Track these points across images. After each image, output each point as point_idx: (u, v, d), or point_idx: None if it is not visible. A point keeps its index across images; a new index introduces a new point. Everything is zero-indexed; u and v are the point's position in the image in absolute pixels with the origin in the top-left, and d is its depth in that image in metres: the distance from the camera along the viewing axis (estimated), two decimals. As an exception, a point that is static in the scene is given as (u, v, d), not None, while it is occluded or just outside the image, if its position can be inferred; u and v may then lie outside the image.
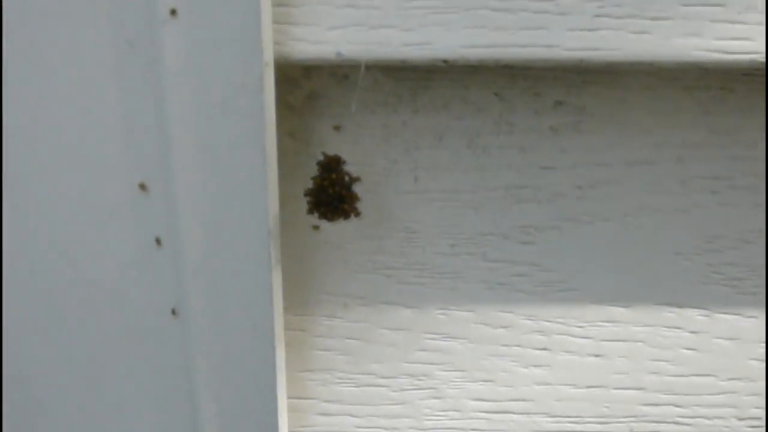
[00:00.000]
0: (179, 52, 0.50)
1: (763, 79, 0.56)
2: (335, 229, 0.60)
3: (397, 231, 0.61)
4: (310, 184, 0.55)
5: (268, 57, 0.50)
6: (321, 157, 0.53)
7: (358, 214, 0.53)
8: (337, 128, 0.57)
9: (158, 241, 0.55)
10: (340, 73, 0.56)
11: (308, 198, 0.54)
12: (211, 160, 0.52)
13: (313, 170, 0.55)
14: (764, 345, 0.63)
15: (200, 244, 0.55)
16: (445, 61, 0.51)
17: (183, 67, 0.50)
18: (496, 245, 0.61)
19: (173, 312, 0.57)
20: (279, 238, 0.55)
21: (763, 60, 0.51)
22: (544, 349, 0.64)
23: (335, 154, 0.53)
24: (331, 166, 0.53)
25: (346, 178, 0.53)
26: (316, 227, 0.60)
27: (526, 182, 0.60)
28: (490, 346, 0.64)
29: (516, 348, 0.64)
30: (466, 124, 0.58)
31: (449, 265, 0.62)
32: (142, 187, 0.54)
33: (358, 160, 0.58)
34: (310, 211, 0.54)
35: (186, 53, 0.50)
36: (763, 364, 0.63)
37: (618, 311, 0.63)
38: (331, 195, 0.52)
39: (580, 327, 0.63)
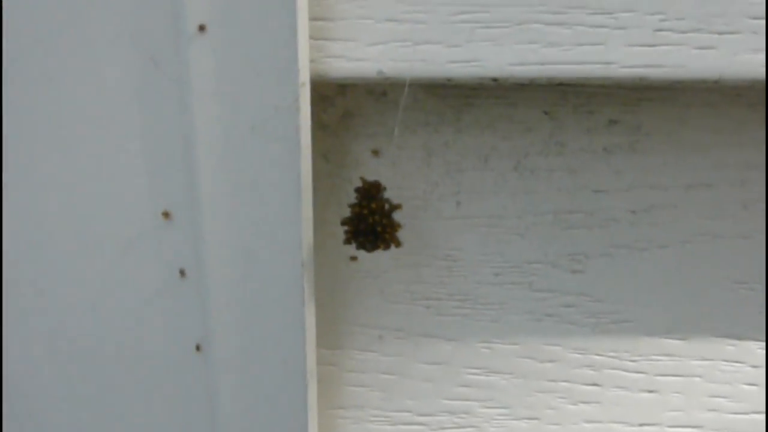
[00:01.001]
0: (208, 72, 0.49)
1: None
2: (371, 257, 0.59)
3: (437, 259, 0.60)
4: (344, 211, 0.53)
5: (305, 76, 0.48)
6: (359, 183, 0.52)
7: (399, 245, 0.52)
8: (375, 152, 0.55)
9: (182, 273, 0.54)
10: (378, 91, 0.55)
11: (346, 227, 0.52)
12: (241, 188, 0.51)
13: (348, 194, 0.54)
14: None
15: (227, 276, 0.54)
16: (494, 80, 0.50)
17: (212, 87, 0.49)
18: (544, 274, 0.60)
19: (197, 348, 0.56)
20: (313, 270, 0.54)
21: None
22: (594, 384, 0.62)
23: (375, 179, 0.51)
24: (371, 192, 0.51)
25: (386, 206, 0.51)
26: (353, 258, 0.58)
27: (577, 206, 0.58)
28: (536, 381, 0.62)
29: (564, 383, 0.62)
30: (512, 145, 0.57)
31: (493, 296, 0.60)
32: (166, 215, 0.53)
33: (397, 183, 0.57)
34: (348, 242, 0.52)
35: (215, 72, 0.48)
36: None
37: (674, 344, 0.61)
38: (371, 225, 0.51)
39: (633, 361, 0.62)
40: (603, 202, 0.58)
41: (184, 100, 0.49)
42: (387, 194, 0.53)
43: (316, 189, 0.55)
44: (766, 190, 0.57)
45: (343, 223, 0.52)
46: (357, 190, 0.51)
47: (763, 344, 0.61)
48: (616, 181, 0.58)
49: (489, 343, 0.62)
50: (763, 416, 0.62)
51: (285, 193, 0.51)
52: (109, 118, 0.51)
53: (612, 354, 0.62)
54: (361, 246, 0.52)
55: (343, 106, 0.56)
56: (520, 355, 0.62)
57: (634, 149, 0.57)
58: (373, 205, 0.51)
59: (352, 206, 0.52)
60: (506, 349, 0.62)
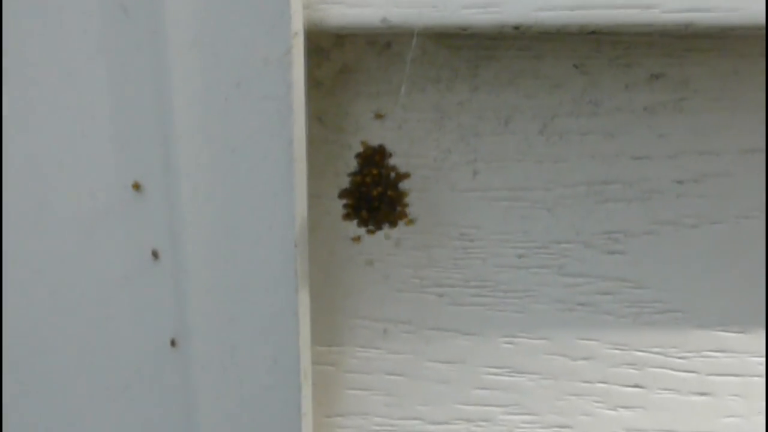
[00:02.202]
0: (185, 20, 0.54)
1: None
2: (374, 237, 0.65)
3: (451, 238, 0.66)
4: (343, 182, 0.59)
5: (297, 25, 0.54)
6: (360, 148, 0.57)
7: (410, 222, 0.58)
8: (378, 114, 0.61)
9: (155, 255, 0.60)
10: (381, 42, 0.61)
11: (344, 201, 0.58)
12: (224, 155, 0.57)
13: (347, 163, 0.60)
14: None
15: (207, 259, 0.59)
16: (516, 28, 0.55)
17: (190, 38, 0.55)
18: (577, 256, 0.66)
19: (172, 343, 0.62)
20: (307, 252, 0.60)
21: None
22: (637, 386, 0.69)
23: (379, 144, 0.57)
24: (374, 159, 0.57)
25: (393, 174, 0.57)
26: (356, 239, 0.65)
27: (614, 176, 0.64)
28: (568, 382, 0.69)
29: (601, 385, 0.69)
30: (538, 104, 0.63)
31: (517, 281, 0.67)
32: (137, 187, 0.58)
33: (404, 150, 0.63)
34: (348, 217, 0.58)
35: (194, 21, 0.54)
36: None
37: (730, 338, 0.68)
38: (375, 197, 0.56)
39: (682, 358, 0.68)
40: (645, 170, 0.64)
41: (159, 52, 0.55)
42: (393, 161, 0.58)
43: (310, 157, 0.60)
44: (766, 188, 0.64)
45: (341, 196, 0.58)
46: (358, 156, 0.57)
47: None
48: (660, 146, 0.64)
49: (512, 337, 0.68)
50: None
51: (274, 162, 0.56)
52: (73, 75, 0.56)
53: (657, 350, 0.68)
54: (363, 223, 0.58)
55: (341, 60, 0.62)
56: (549, 352, 0.68)
57: (680, 108, 0.63)
58: (376, 172, 0.56)
59: (352, 175, 0.57)
60: (533, 345, 0.68)
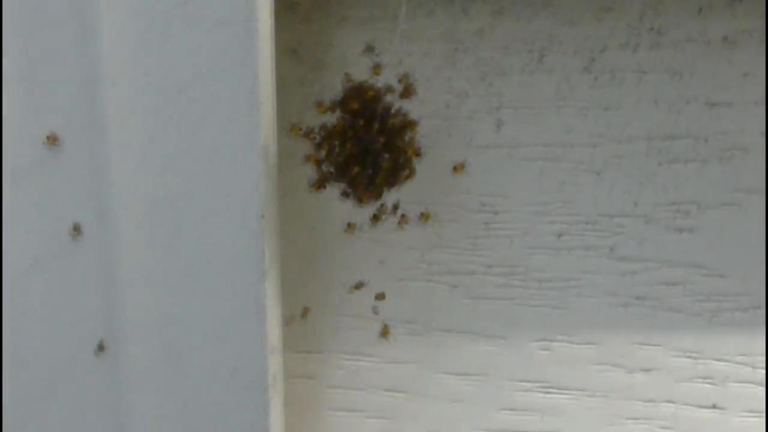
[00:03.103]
0: None
1: None
2: (364, 208, 0.61)
3: (468, 211, 0.64)
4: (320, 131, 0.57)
5: None
6: (347, 83, 0.56)
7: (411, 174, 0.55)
8: (370, 46, 0.59)
9: (76, 229, 0.58)
10: (374, -50, 0.60)
11: (322, 153, 0.56)
12: (166, 98, 0.55)
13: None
14: None
15: (144, 235, 0.58)
16: None
17: None
18: (634, 234, 0.64)
19: (99, 347, 0.60)
20: (278, 227, 0.58)
21: None
22: (714, 407, 0.66)
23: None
24: (365, 98, 0.54)
25: (393, 120, 0.55)
26: (350, 227, 0.62)
27: (684, 128, 0.62)
28: (623, 401, 0.66)
29: (667, 405, 0.66)
30: (582, 33, 0.61)
31: (555, 268, 0.65)
32: (52, 140, 0.57)
33: None
34: (321, 184, 0.56)
35: None
36: None
37: (837, 343, 0.66)
38: (373, 150, 0.54)
39: (774, 371, 0.67)
40: (724, 121, 0.62)
41: None
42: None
43: (281, 101, 0.58)
44: (767, 190, 0.63)
45: (320, 145, 0.55)
46: (350, 89, 0.55)
47: None
48: (744, 89, 0.62)
49: (550, 341, 0.66)
50: None
51: (233, 107, 0.55)
52: None
53: (740, 359, 0.65)
54: (355, 192, 0.56)
55: (321, -26, 0.61)
56: (597, 361, 0.66)
57: (769, 39, 0.61)
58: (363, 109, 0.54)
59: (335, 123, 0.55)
60: (576, 352, 0.66)
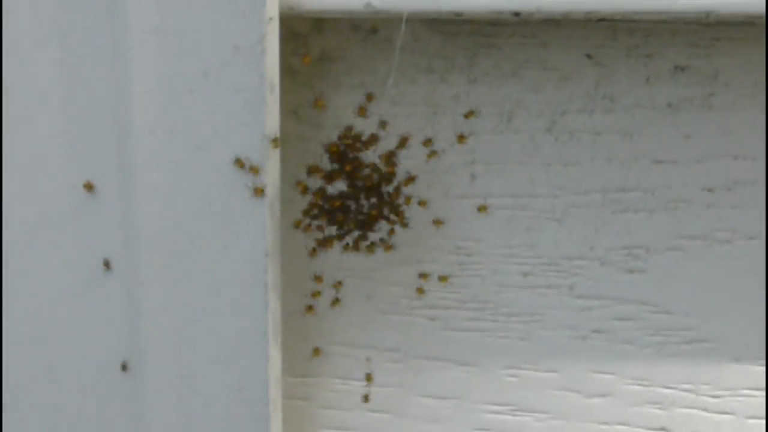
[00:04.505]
0: (148, 3, 0.60)
1: None
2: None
3: (445, 252, 0.72)
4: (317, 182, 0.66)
5: (273, 10, 0.61)
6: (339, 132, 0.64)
7: (404, 224, 0.65)
8: (362, 109, 0.67)
9: (107, 264, 0.66)
10: (366, 26, 0.68)
11: (314, 203, 0.65)
12: (187, 152, 0.63)
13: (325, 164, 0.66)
14: None
15: (165, 271, 0.65)
16: (516, 14, 0.62)
17: (153, 22, 0.61)
18: (590, 274, 0.72)
19: (123, 367, 0.68)
20: (279, 264, 0.66)
21: None
22: (662, 429, 0.74)
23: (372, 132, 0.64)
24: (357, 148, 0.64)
25: (387, 167, 0.64)
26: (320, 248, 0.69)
27: (634, 183, 0.70)
28: (581, 423, 0.74)
29: (620, 428, 0.74)
30: (545, 99, 0.69)
31: (521, 303, 0.73)
32: (89, 187, 0.64)
33: (391, 149, 0.67)
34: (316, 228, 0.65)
35: (157, 4, 0.60)
36: None
37: (771, 373, 0.73)
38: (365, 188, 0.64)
39: (716, 397, 0.74)
40: (669, 176, 0.70)
41: (117, 38, 0.61)
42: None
43: (284, 156, 0.66)
44: (767, 193, 0.70)
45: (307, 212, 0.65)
46: (338, 139, 0.64)
47: None
48: (686, 149, 0.70)
49: (516, 369, 0.74)
50: None
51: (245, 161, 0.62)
52: (22, 62, 0.63)
53: (686, 387, 0.73)
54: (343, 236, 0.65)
55: (320, 47, 0.69)
56: (559, 387, 0.74)
57: (708, 105, 0.69)
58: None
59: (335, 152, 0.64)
60: (540, 378, 0.74)
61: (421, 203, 0.68)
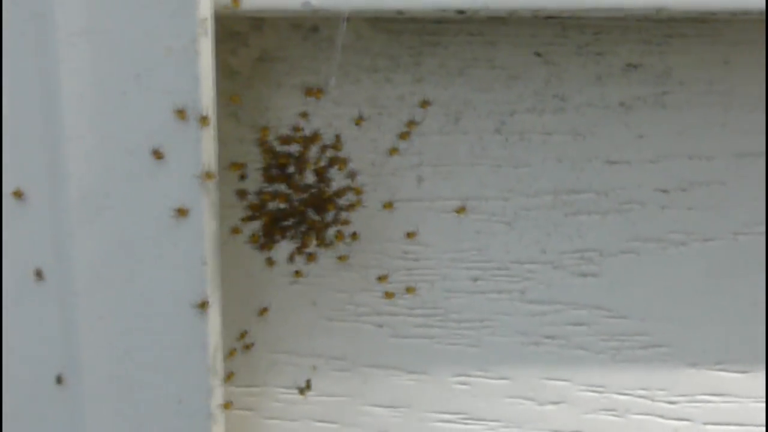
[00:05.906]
0: (75, 3, 0.60)
1: None
2: (298, 255, 0.70)
3: (392, 257, 0.73)
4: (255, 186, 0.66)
5: (206, 10, 0.61)
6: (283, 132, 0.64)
7: (354, 237, 0.67)
8: (304, 113, 0.67)
9: (38, 274, 0.66)
10: (306, 25, 0.69)
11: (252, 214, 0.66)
12: (119, 158, 0.63)
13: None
14: None
15: (99, 279, 0.66)
16: (460, 12, 0.62)
17: (81, 23, 0.61)
18: (542, 279, 0.73)
19: (58, 379, 0.68)
20: (219, 272, 0.66)
21: None
22: None
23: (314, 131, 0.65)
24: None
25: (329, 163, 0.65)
26: (297, 274, 0.70)
27: (586, 184, 0.71)
28: (534, 431, 0.75)
29: None
30: (493, 99, 0.70)
31: (471, 309, 0.73)
32: (18, 195, 0.65)
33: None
34: (259, 242, 0.66)
35: (85, 4, 0.60)
36: None
37: (729, 378, 0.74)
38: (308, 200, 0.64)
39: (672, 403, 0.75)
40: (622, 177, 0.71)
41: (44, 39, 0.62)
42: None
43: (222, 160, 0.66)
44: (767, 191, 0.71)
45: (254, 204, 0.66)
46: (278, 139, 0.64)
47: None
48: (640, 149, 0.70)
49: (467, 376, 0.74)
50: None
51: (180, 166, 0.63)
52: None
53: (642, 392, 0.74)
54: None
55: (260, 47, 0.69)
56: (510, 394, 0.75)
57: (662, 104, 0.70)
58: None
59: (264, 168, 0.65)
60: (491, 386, 0.74)
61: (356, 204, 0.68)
